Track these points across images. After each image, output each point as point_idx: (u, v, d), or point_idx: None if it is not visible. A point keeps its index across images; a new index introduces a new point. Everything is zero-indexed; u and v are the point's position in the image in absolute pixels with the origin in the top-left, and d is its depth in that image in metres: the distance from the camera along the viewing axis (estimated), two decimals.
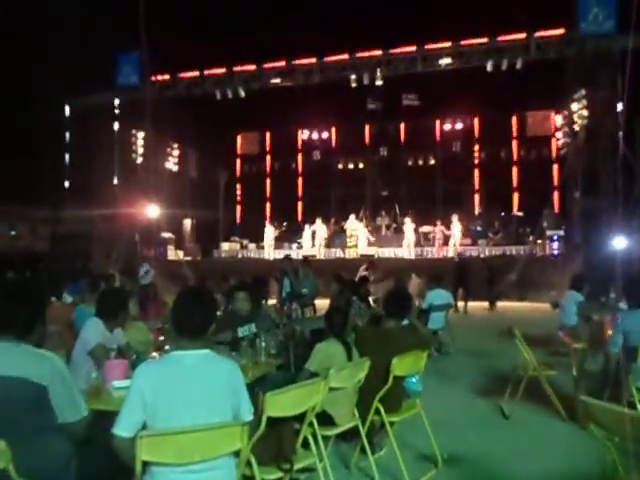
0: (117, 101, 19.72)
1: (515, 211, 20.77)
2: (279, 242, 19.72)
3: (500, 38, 16.84)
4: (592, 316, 6.45)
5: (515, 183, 21.73)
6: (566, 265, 14.37)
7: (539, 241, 17.40)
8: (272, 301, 12.83)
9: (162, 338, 4.69)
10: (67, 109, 20.09)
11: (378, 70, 17.76)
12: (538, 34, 16.61)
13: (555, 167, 20.82)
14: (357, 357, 3.80)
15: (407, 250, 17.46)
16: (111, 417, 2.31)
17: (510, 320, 10.21)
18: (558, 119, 19.33)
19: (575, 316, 6.79)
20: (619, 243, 13.38)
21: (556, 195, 20.27)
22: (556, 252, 16.29)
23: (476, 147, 22.18)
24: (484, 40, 16.98)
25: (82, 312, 5.21)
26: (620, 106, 14.85)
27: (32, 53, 18.52)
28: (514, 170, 21.76)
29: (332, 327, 3.91)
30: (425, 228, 18.61)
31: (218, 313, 5.62)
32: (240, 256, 20.27)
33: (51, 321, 4.34)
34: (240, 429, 2.30)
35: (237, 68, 18.96)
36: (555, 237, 16.43)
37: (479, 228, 19.66)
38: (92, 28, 17.05)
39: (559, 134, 19.38)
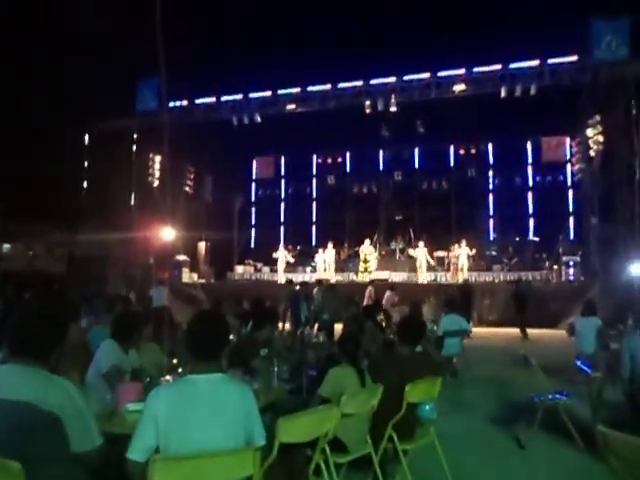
0: (135, 126, 20.13)
1: (531, 236, 20.65)
2: (292, 266, 19.77)
3: (513, 65, 16.96)
4: (610, 344, 6.35)
5: (530, 209, 21.64)
6: (583, 292, 14.17)
7: (555, 267, 17.22)
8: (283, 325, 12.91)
9: (175, 361, 4.70)
10: (86, 134, 20.52)
11: (392, 96, 17.95)
12: (551, 61, 16.71)
13: (570, 193, 20.73)
14: (370, 383, 3.77)
15: (421, 275, 17.36)
16: (125, 440, 2.31)
17: (526, 347, 10.07)
18: (573, 145, 19.30)
19: (593, 344, 6.68)
20: (637, 270, 13.21)
21: (572, 221, 20.14)
22: (572, 278, 16.10)
23: (490, 172, 22.18)
24: (497, 67, 17.12)
25: (97, 333, 5.25)
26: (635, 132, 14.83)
27: (52, 78, 19.03)
28: (529, 196, 21.69)
29: (345, 352, 3.89)
30: (439, 253, 18.53)
31: (231, 337, 5.66)
32: (254, 279, 20.32)
33: (66, 344, 4.37)
34: (252, 454, 2.29)
35: (253, 94, 19.30)
36: (571, 263, 16.25)
37: (494, 253, 19.53)
38: (112, 55, 17.54)
39: (574, 160, 19.33)
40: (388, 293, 13.40)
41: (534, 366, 4.99)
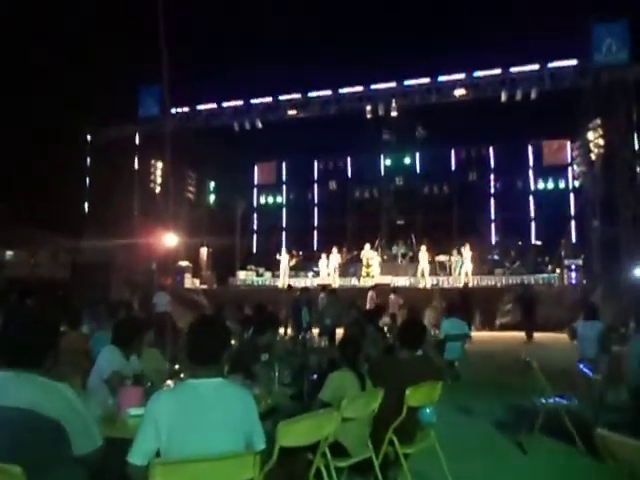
0: (138, 132, 20.22)
1: (533, 240, 20.63)
2: (295, 271, 19.79)
3: (514, 69, 17.01)
4: (612, 347, 6.34)
5: (532, 212, 21.63)
6: (585, 295, 14.16)
7: (557, 270, 17.20)
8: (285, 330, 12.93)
9: (177, 366, 4.71)
10: (89, 140, 20.61)
11: (393, 101, 18.00)
12: (552, 64, 16.76)
13: (572, 196, 20.71)
14: (370, 387, 3.78)
15: (422, 279, 17.36)
16: (126, 445, 2.33)
17: (528, 351, 10.05)
18: (574, 148, 19.31)
19: (595, 347, 6.66)
20: (639, 272, 13.19)
21: (574, 224, 20.13)
22: (574, 281, 16.08)
23: (492, 176, 22.17)
24: (498, 71, 17.16)
25: (100, 339, 5.27)
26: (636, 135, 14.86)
27: (54, 86, 19.15)
28: (531, 199, 21.68)
29: (345, 356, 3.90)
30: (441, 257, 18.53)
31: (233, 342, 5.67)
32: (256, 285, 20.33)
33: (67, 350, 4.39)
34: (252, 458, 2.30)
35: (254, 100, 19.39)
36: (573, 266, 16.23)
37: (496, 257, 19.51)
38: (114, 62, 17.66)
39: (575, 163, 19.33)
40: (392, 297, 13.39)
41: (535, 370, 4.99)
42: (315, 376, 4.68)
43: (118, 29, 18.54)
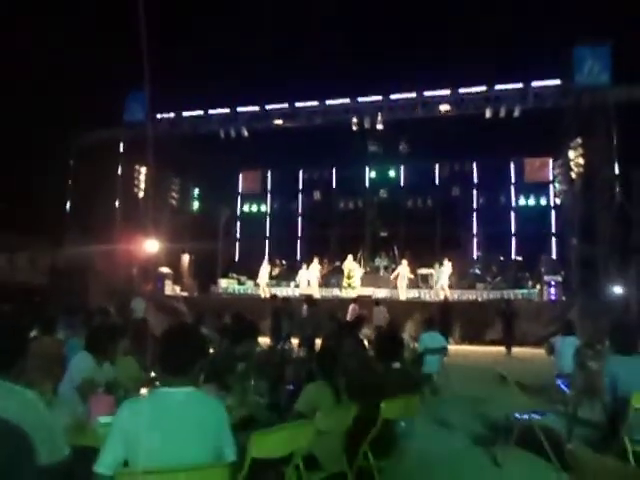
0: (122, 137, 20.08)
1: (514, 256, 20.84)
2: (276, 280, 19.73)
3: (498, 87, 17.27)
4: (588, 363, 6.40)
5: (513, 228, 21.87)
6: (564, 311, 14.32)
7: (537, 286, 17.37)
8: (265, 339, 12.83)
9: (153, 374, 4.65)
10: (72, 143, 20.40)
11: (379, 114, 18.15)
12: (535, 84, 17.07)
13: (553, 213, 21.01)
14: (346, 399, 3.76)
15: (402, 292, 17.38)
16: (95, 454, 2.28)
17: (507, 365, 10.12)
18: (555, 166, 19.63)
19: (572, 363, 6.72)
20: (616, 290, 13.39)
21: (554, 241, 20.39)
22: (553, 298, 16.25)
23: (475, 191, 22.40)
24: (482, 88, 17.41)
25: (74, 346, 5.18)
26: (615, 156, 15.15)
27: (37, 87, 18.95)
28: (512, 215, 21.93)
29: (322, 368, 3.88)
30: (423, 270, 18.61)
31: (211, 350, 5.62)
32: (238, 293, 20.20)
33: (39, 355, 4.31)
34: (223, 470, 2.27)
35: (241, 108, 19.40)
36: (553, 283, 16.41)
37: (477, 272, 19.65)
38: (100, 66, 17.55)
39: (556, 181, 19.63)
40: (377, 308, 13.32)
41: (510, 384, 5.02)
42: (292, 387, 4.65)
43: (105, 33, 18.44)
